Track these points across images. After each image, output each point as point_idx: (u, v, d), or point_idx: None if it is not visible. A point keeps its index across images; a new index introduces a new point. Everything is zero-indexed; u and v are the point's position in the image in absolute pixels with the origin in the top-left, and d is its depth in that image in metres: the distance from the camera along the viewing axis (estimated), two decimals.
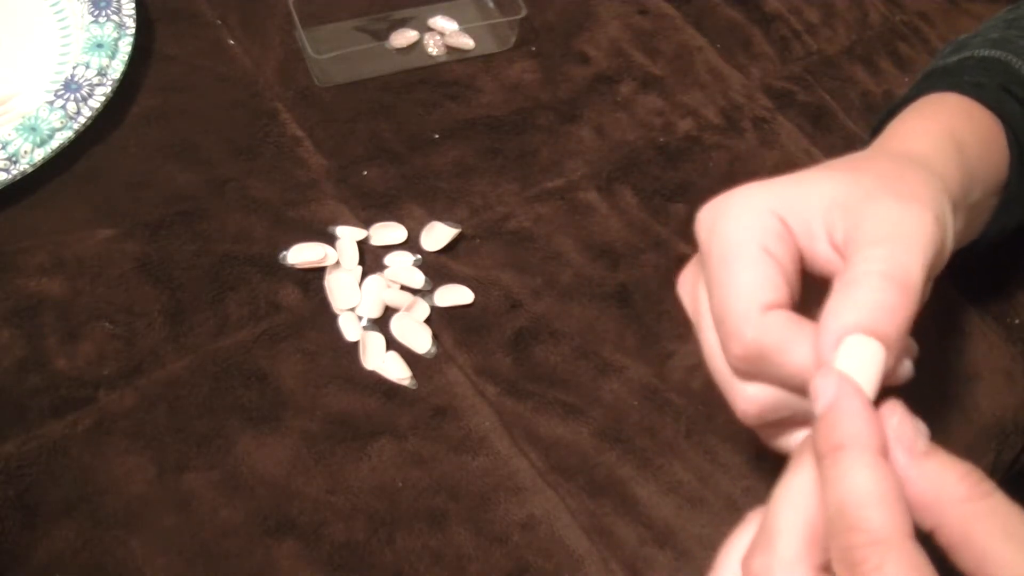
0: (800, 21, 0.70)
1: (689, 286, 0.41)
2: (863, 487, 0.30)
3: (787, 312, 0.35)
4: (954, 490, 0.30)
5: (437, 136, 0.60)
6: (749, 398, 0.37)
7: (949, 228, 0.38)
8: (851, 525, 0.29)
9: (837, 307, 0.34)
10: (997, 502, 0.30)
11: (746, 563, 0.32)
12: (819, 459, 0.32)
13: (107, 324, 0.50)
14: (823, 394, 0.32)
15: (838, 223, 0.36)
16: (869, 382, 0.33)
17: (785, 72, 0.67)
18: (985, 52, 0.49)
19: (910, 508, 0.30)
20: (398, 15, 0.65)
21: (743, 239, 0.36)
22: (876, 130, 0.49)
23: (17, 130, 0.54)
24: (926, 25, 0.71)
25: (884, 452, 0.31)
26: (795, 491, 0.32)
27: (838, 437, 0.31)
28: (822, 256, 0.37)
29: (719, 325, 0.36)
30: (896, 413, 0.32)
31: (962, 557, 0.30)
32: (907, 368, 0.36)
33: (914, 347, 0.37)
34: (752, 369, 0.36)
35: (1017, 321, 0.55)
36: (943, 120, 0.44)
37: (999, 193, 0.46)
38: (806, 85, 0.66)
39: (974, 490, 0.30)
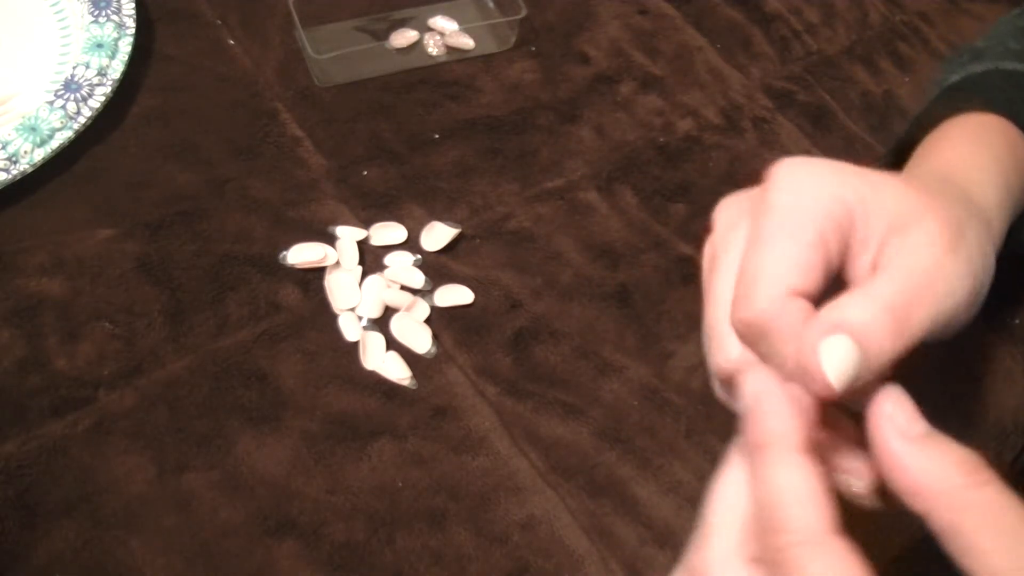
0: (800, 21, 0.70)
1: (733, 215, 0.38)
2: (785, 486, 0.30)
3: (808, 306, 0.34)
4: (948, 478, 0.29)
5: (437, 136, 0.60)
6: (730, 359, 0.36)
7: (986, 279, 0.37)
8: (775, 526, 0.30)
9: (840, 304, 0.33)
10: (992, 494, 0.29)
11: (688, 562, 0.32)
12: (749, 456, 0.32)
13: (107, 324, 0.50)
14: (748, 392, 0.32)
15: (890, 249, 0.35)
16: (839, 382, 0.32)
17: (785, 72, 0.67)
18: (1011, 66, 0.49)
19: (902, 493, 0.30)
20: (398, 15, 0.65)
21: (809, 214, 0.34)
22: (905, 143, 0.49)
23: (17, 130, 0.54)
24: (926, 25, 0.71)
25: (808, 450, 0.31)
26: (727, 487, 0.33)
27: (761, 435, 0.31)
28: (860, 269, 0.36)
29: (742, 279, 0.35)
30: (890, 398, 0.32)
31: (950, 545, 0.29)
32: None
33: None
34: (748, 336, 0.35)
35: (1017, 321, 0.55)
36: (996, 155, 0.44)
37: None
38: (806, 85, 0.66)
39: (969, 479, 0.29)
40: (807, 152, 0.62)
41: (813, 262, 0.34)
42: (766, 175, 0.36)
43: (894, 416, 0.31)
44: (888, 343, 0.32)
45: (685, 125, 0.62)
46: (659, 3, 0.69)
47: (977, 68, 0.50)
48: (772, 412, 0.31)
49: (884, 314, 0.32)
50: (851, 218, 0.35)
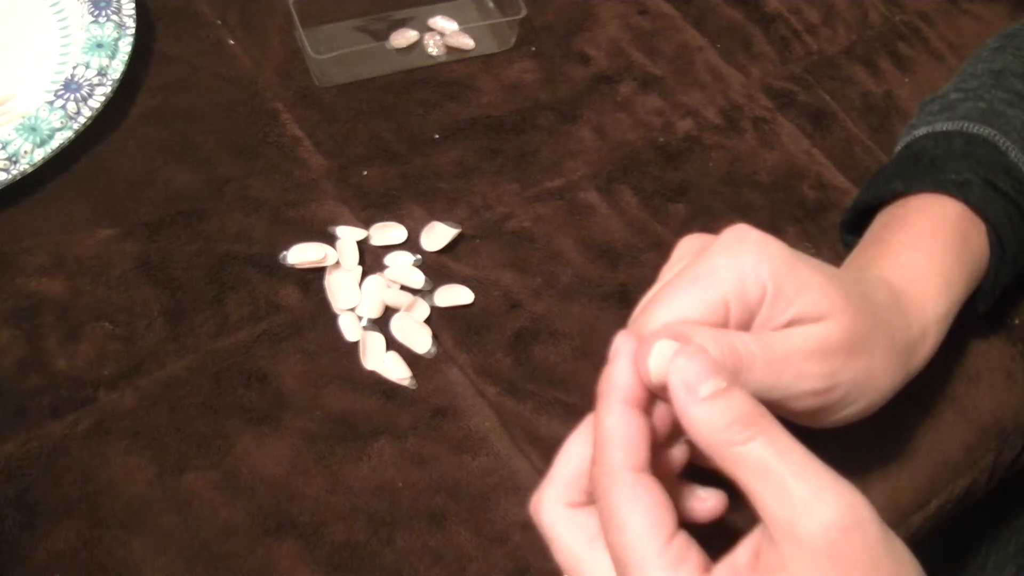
0: (800, 21, 0.70)
1: (688, 250, 0.42)
2: (608, 427, 0.34)
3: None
4: (725, 433, 0.33)
5: (437, 136, 0.60)
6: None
7: (867, 390, 0.41)
8: (595, 459, 0.34)
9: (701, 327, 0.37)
10: (759, 448, 0.32)
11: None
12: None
13: (107, 324, 0.50)
14: (612, 347, 0.36)
15: (782, 325, 0.39)
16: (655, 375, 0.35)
17: (785, 72, 0.67)
18: (974, 129, 0.50)
19: (699, 447, 0.33)
20: (398, 15, 0.65)
21: (724, 281, 0.37)
22: (861, 203, 0.51)
23: (17, 130, 0.54)
24: (926, 25, 0.71)
25: (636, 403, 0.35)
26: (573, 440, 0.38)
27: (602, 384, 0.35)
28: (760, 327, 0.39)
29: (643, 304, 0.40)
30: (685, 353, 0.34)
31: (739, 488, 0.33)
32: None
33: None
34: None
35: (1017, 321, 0.55)
36: (944, 265, 0.46)
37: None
38: (806, 85, 0.66)
39: (741, 435, 0.32)
40: (807, 152, 0.62)
41: (704, 317, 0.37)
42: (722, 232, 0.39)
43: (684, 372, 0.33)
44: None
45: (685, 125, 0.62)
46: (659, 3, 0.69)
47: (943, 125, 0.52)
48: (616, 367, 0.35)
49: (722, 355, 0.36)
50: (762, 296, 0.38)
